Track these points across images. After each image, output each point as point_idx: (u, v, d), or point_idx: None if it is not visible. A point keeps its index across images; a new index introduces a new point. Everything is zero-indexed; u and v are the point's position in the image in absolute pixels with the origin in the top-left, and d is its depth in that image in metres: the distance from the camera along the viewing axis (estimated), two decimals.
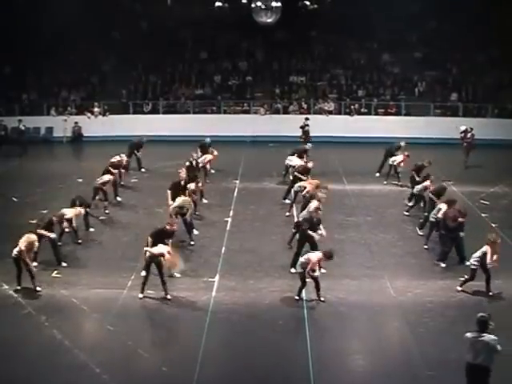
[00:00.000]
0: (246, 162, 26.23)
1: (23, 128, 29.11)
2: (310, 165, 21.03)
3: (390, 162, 23.13)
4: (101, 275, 15.11)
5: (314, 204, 16.25)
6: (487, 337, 9.72)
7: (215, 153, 23.06)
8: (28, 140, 28.82)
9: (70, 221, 16.29)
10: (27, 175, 24.29)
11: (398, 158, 22.76)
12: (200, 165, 22.31)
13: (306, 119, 28.10)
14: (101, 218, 19.10)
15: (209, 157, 22.96)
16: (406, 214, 19.50)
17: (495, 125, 29.86)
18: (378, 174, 24.03)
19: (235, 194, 22.02)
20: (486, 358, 9.71)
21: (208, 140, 24.26)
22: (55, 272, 15.22)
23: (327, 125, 30.77)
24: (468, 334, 9.88)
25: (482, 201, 21.13)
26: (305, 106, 32.63)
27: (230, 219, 19.24)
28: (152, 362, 11.65)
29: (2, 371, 11.25)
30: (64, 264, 15.58)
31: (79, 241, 17.04)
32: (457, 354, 11.52)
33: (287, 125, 29.88)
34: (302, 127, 27.88)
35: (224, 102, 33.05)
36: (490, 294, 14.25)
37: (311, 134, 27.43)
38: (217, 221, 19.07)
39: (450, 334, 12.51)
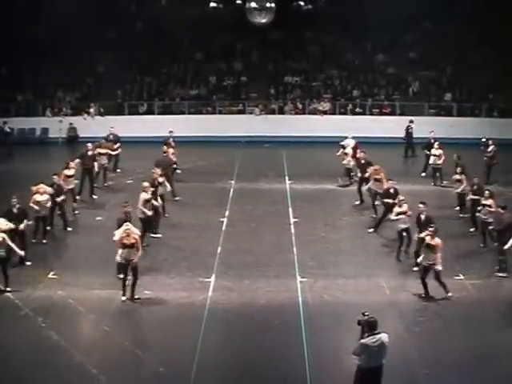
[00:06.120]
0: (241, 162, 26.18)
1: (8, 130, 28.92)
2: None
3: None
4: (97, 276, 15.08)
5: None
6: (382, 336, 9.62)
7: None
8: (14, 142, 28.66)
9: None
10: (21, 177, 24.01)
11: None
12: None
13: (411, 122, 27.66)
14: (97, 218, 19.19)
15: (103, 151, 22.62)
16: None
17: (489, 124, 29.77)
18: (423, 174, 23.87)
19: (231, 194, 22.02)
20: (382, 357, 9.66)
21: (107, 136, 24.04)
22: (52, 273, 15.19)
23: (322, 125, 30.78)
24: (367, 341, 9.51)
25: None
26: (300, 106, 32.65)
27: (225, 219, 19.24)
28: (149, 363, 11.64)
29: None
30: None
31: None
32: (453, 353, 11.70)
33: (282, 125, 29.79)
34: (406, 129, 27.50)
35: (219, 103, 33.06)
36: None
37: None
38: (212, 221, 19.07)
39: (446, 333, 12.62)
